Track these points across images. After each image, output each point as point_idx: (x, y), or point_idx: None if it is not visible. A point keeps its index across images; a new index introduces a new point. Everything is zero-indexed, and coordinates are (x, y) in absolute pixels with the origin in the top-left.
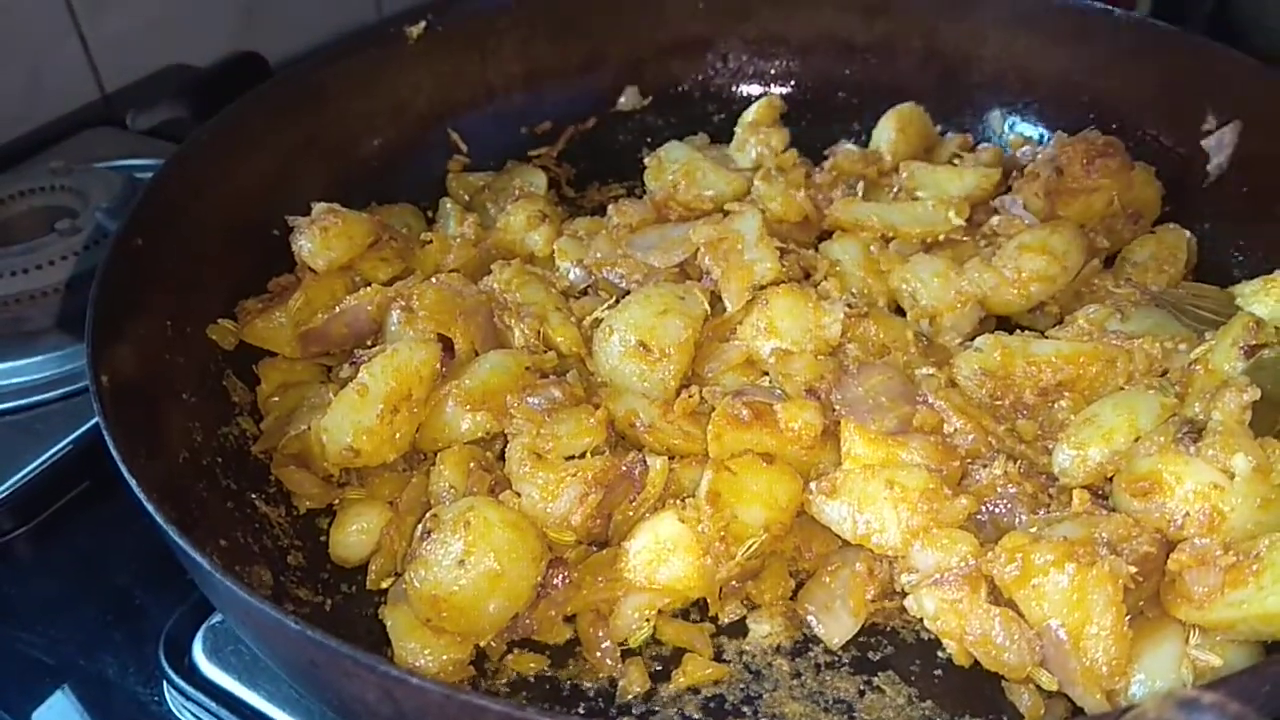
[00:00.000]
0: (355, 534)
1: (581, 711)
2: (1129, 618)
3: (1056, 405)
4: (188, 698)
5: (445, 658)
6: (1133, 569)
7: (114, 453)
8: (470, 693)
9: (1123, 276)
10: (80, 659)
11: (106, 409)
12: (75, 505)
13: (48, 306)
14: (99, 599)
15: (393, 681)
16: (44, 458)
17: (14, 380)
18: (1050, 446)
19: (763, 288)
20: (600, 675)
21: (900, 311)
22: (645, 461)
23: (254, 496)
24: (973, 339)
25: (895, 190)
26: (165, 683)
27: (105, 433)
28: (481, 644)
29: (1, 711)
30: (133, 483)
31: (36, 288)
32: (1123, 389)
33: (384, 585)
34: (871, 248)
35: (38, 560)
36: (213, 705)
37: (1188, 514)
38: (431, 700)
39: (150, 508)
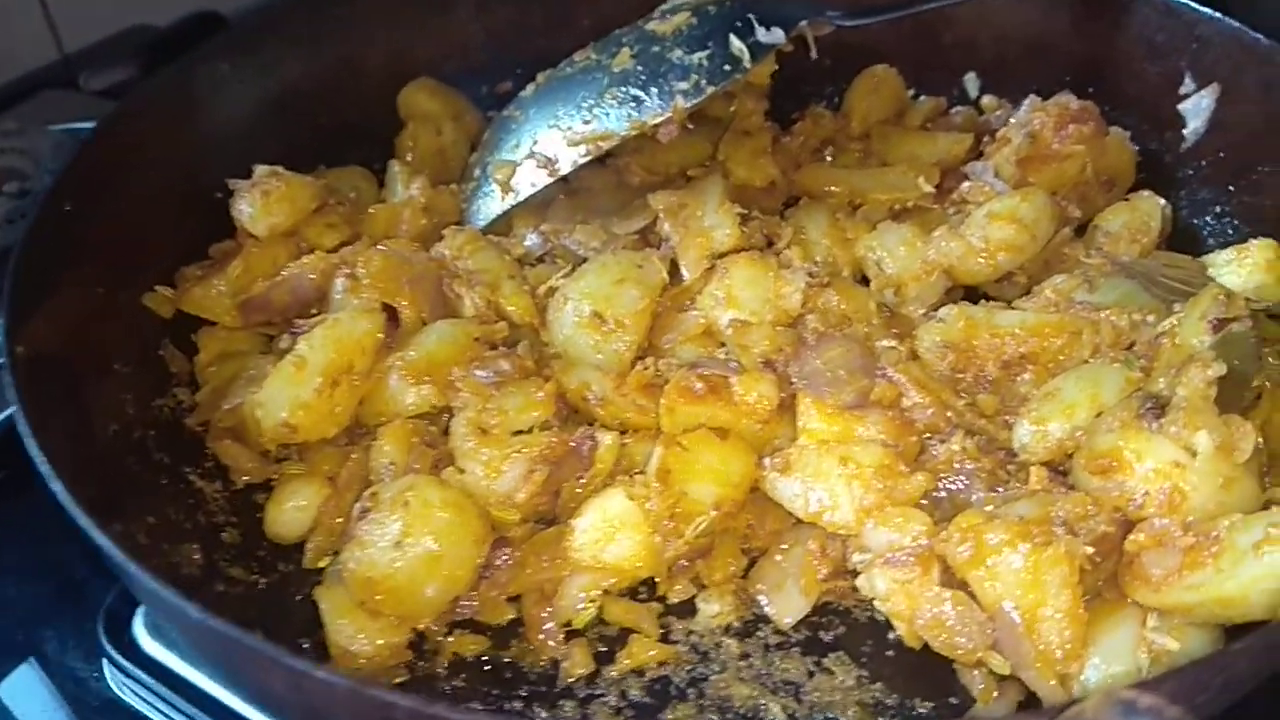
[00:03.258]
0: (291, 510)
1: (523, 694)
2: (1085, 600)
3: (1019, 379)
4: (128, 674)
5: (381, 641)
6: (1090, 549)
7: (21, 425)
8: (377, 687)
9: (1094, 246)
10: (19, 635)
11: (20, 381)
12: (10, 482)
13: None
14: (38, 576)
15: (299, 675)
16: None
17: None
18: (1011, 421)
19: (723, 255)
20: (543, 657)
21: (865, 281)
22: (595, 437)
23: (188, 471)
24: (937, 309)
25: (865, 155)
26: (105, 660)
27: (17, 404)
28: (420, 627)
29: None
30: (37, 457)
31: None
32: (1087, 362)
33: (321, 565)
34: (838, 215)
35: None
36: (152, 683)
37: (1148, 493)
38: (339, 694)
39: (58, 486)
